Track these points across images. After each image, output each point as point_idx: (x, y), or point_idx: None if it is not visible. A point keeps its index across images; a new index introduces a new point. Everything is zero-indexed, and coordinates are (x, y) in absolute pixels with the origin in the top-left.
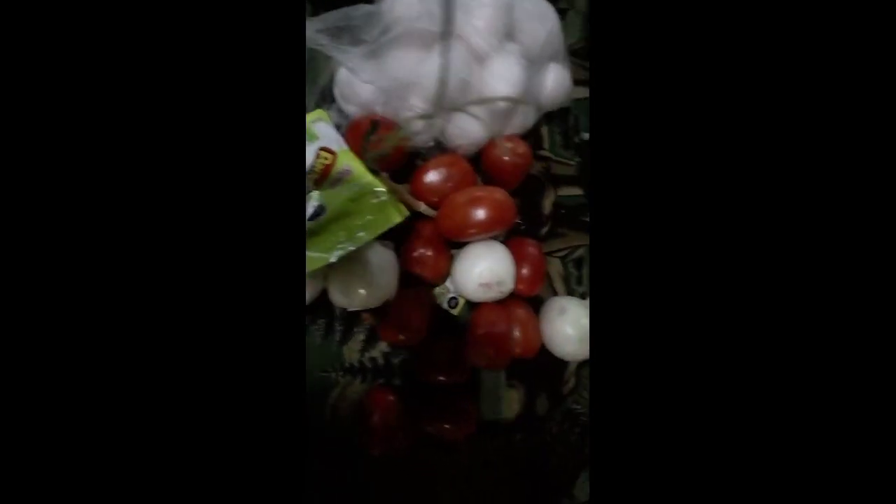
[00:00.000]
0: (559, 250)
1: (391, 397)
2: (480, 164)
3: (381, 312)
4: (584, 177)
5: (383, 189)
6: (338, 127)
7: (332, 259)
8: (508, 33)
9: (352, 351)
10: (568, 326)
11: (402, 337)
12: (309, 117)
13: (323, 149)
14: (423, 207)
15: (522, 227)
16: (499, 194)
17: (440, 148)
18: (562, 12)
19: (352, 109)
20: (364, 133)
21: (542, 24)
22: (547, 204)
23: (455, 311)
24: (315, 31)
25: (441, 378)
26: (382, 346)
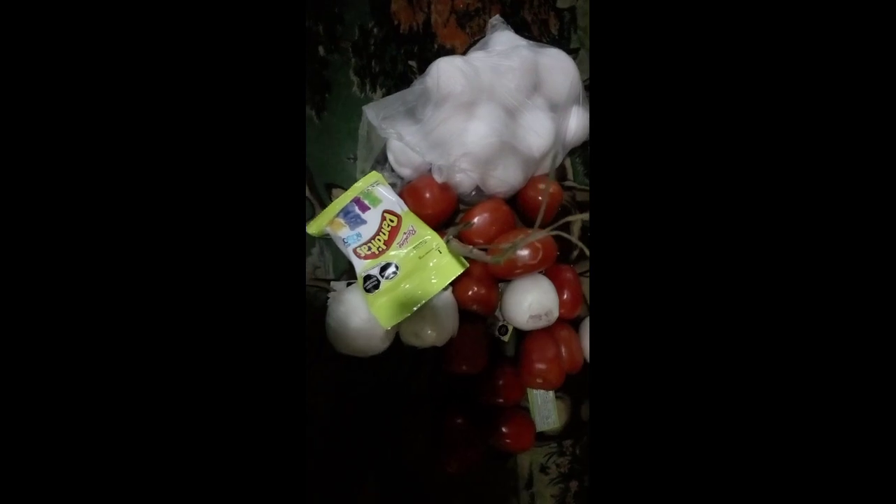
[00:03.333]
0: (588, 270)
1: (460, 420)
2: (517, 205)
3: (446, 347)
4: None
5: (445, 244)
6: (393, 185)
7: (414, 311)
8: (535, 88)
9: (420, 381)
10: None
11: (465, 367)
12: (367, 179)
13: (387, 212)
14: (474, 252)
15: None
16: (541, 236)
17: (480, 195)
18: (573, 52)
19: (406, 172)
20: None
21: (564, 76)
22: (575, 229)
23: (505, 338)
24: (381, 119)
25: (500, 400)
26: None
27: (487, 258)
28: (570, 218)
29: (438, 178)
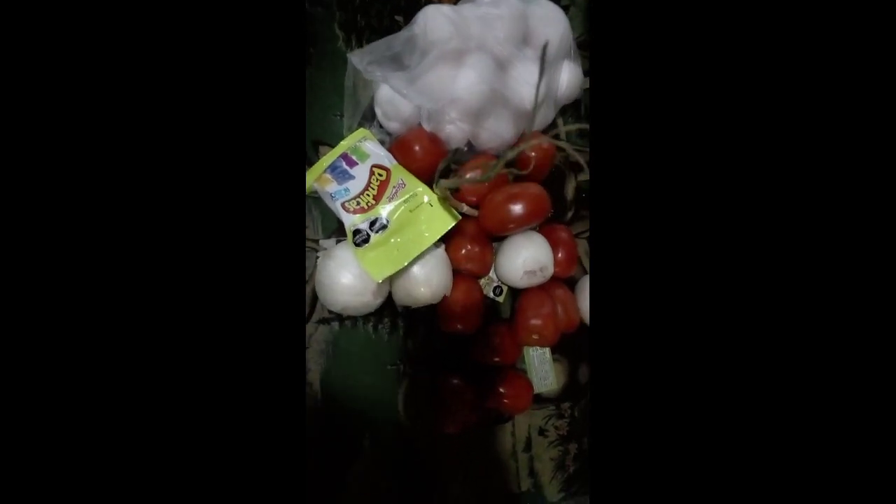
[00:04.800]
0: (584, 231)
1: (457, 381)
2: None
3: (440, 306)
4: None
5: (436, 197)
6: (381, 142)
7: (405, 265)
8: (525, 40)
9: (415, 342)
10: None
11: (459, 326)
12: (354, 136)
13: (376, 166)
14: (465, 208)
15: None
16: (534, 189)
17: (472, 150)
18: (564, 9)
19: (394, 126)
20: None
21: (554, 28)
22: (570, 190)
23: (500, 299)
24: (366, 63)
25: (496, 360)
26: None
27: (478, 177)
28: (566, 128)
29: (427, 127)
